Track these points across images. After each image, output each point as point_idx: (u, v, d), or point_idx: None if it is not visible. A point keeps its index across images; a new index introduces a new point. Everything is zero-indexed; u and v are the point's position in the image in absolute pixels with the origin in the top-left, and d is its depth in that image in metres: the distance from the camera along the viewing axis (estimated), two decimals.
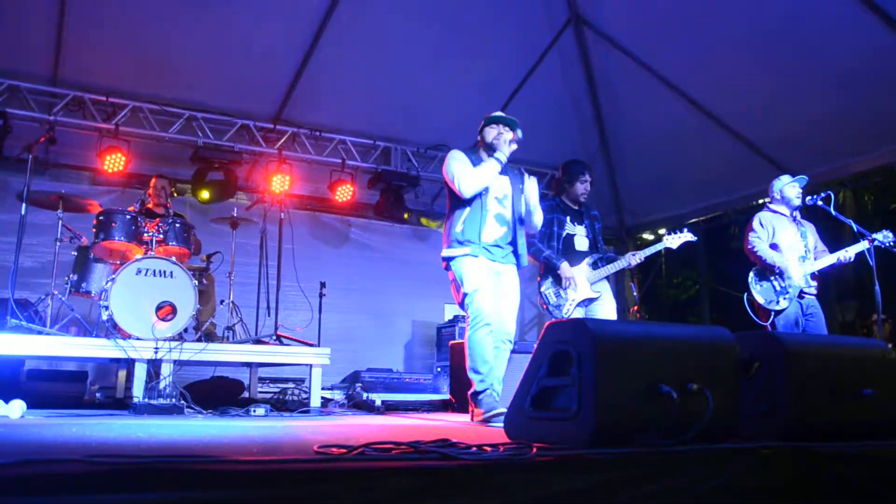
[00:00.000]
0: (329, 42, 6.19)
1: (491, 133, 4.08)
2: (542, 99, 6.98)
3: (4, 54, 5.74)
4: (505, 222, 4.06)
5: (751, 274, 4.99)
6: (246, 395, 5.70)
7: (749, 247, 5.00)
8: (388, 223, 7.79)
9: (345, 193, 7.06)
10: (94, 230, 4.88)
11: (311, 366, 5.00)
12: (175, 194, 6.04)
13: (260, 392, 5.95)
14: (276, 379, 6.30)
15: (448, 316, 7.48)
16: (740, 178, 7.06)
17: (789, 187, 5.08)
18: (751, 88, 6.15)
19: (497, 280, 3.99)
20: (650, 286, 10.47)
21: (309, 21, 6.06)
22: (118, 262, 4.83)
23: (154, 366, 4.24)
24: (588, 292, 4.58)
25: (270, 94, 6.69)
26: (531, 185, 4.11)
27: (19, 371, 5.21)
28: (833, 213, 4.86)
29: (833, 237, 5.56)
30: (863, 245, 4.80)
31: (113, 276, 4.56)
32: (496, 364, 3.84)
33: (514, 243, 4.09)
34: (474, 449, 1.73)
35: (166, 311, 4.50)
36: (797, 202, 5.06)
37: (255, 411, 4.17)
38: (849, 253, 4.85)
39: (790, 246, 4.96)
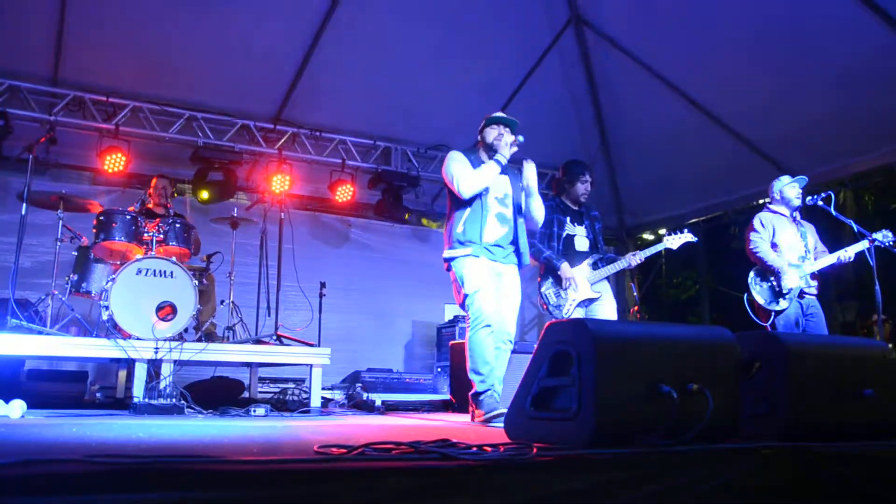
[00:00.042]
0: (329, 42, 6.19)
1: (491, 134, 4.07)
2: (542, 99, 6.98)
3: (5, 54, 5.74)
4: (506, 221, 4.06)
5: (751, 274, 4.99)
6: (246, 395, 5.70)
7: (750, 247, 5.00)
8: (389, 223, 7.79)
9: (345, 193, 7.06)
10: (94, 230, 4.88)
11: (311, 366, 5.00)
12: (175, 194, 6.05)
13: (260, 392, 5.95)
14: (276, 379, 6.30)
15: (448, 316, 7.48)
16: (740, 178, 7.06)
17: (789, 188, 5.08)
18: (751, 88, 6.15)
19: (498, 281, 3.99)
20: (650, 286, 10.47)
21: (309, 21, 6.06)
22: (118, 262, 4.83)
23: (154, 366, 4.25)
24: (588, 292, 4.58)
25: (270, 94, 6.69)
26: (530, 169, 4.06)
27: (19, 371, 5.21)
28: (833, 213, 4.86)
29: (833, 237, 5.56)
30: (863, 244, 4.80)
31: (113, 276, 4.56)
32: (496, 365, 3.84)
33: (515, 242, 4.09)
34: (474, 449, 1.73)
35: (166, 311, 4.50)
36: (797, 202, 5.06)
37: (255, 411, 4.17)
38: (849, 252, 4.85)
39: (790, 246, 4.96)
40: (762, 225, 5.02)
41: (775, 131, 6.40)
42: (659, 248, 4.84)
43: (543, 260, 4.62)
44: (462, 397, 4.46)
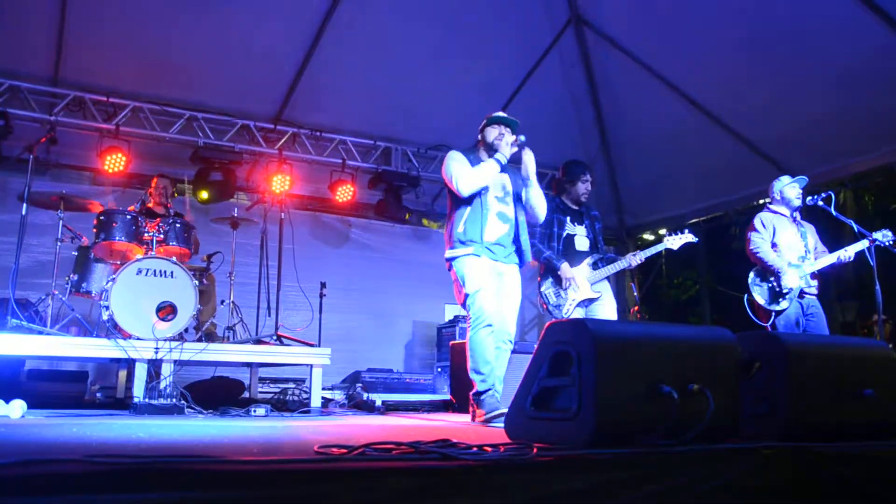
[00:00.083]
0: (329, 42, 6.19)
1: (492, 133, 4.08)
2: (542, 99, 6.98)
3: (5, 54, 5.75)
4: (507, 220, 4.06)
5: (751, 274, 4.99)
6: (246, 395, 5.70)
7: (750, 247, 5.00)
8: (389, 223, 7.80)
9: (345, 194, 7.06)
10: (94, 230, 4.88)
11: (311, 366, 5.00)
12: (175, 194, 6.05)
13: (260, 392, 5.95)
14: (276, 379, 6.30)
15: (448, 316, 7.48)
16: (740, 178, 7.06)
17: (789, 188, 5.08)
18: (751, 88, 6.15)
19: (499, 281, 3.99)
20: (651, 286, 10.46)
21: (309, 21, 6.06)
22: (119, 262, 4.83)
23: (154, 366, 4.25)
24: (588, 292, 4.58)
25: (271, 94, 6.69)
26: (528, 157, 4.03)
27: (20, 371, 5.21)
28: (833, 213, 4.86)
29: (833, 237, 5.56)
30: (863, 244, 4.80)
31: (113, 276, 4.56)
32: (497, 364, 3.84)
33: (517, 241, 4.09)
34: (475, 449, 1.73)
35: (167, 311, 4.50)
36: (797, 203, 5.06)
37: (255, 411, 4.16)
38: (848, 252, 4.85)
39: (790, 246, 4.96)
40: (762, 225, 5.02)
41: (775, 131, 6.40)
42: (659, 248, 4.84)
43: (543, 260, 4.62)
44: (462, 397, 4.46)
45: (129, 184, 6.60)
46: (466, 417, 4.07)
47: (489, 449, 1.73)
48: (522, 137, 3.98)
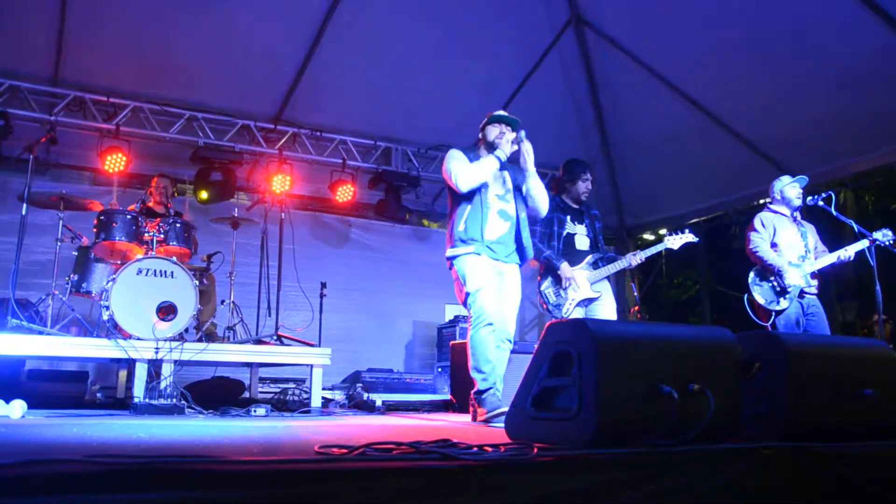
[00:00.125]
0: (330, 42, 6.19)
1: (493, 132, 4.08)
2: (542, 99, 6.98)
3: (5, 54, 5.75)
4: (508, 218, 4.06)
5: (751, 274, 4.99)
6: (247, 395, 5.70)
7: (750, 247, 5.00)
8: (389, 223, 7.80)
9: (345, 194, 7.06)
10: (94, 230, 4.88)
11: (311, 366, 5.00)
12: (175, 194, 6.05)
13: (261, 392, 5.96)
14: (276, 379, 6.30)
15: (449, 316, 7.48)
16: (740, 178, 7.06)
17: (789, 188, 5.08)
18: (751, 88, 6.15)
19: (500, 280, 3.99)
20: (651, 286, 10.46)
21: (309, 21, 6.06)
22: (119, 262, 4.83)
23: (155, 366, 4.25)
24: (588, 292, 4.58)
25: (271, 94, 6.69)
26: (527, 148, 4.01)
27: (20, 371, 5.21)
28: (834, 213, 4.86)
29: (834, 237, 5.56)
30: (863, 243, 4.80)
31: (114, 276, 4.56)
32: (497, 364, 3.84)
33: (518, 239, 4.08)
34: (475, 449, 1.73)
35: (167, 311, 4.50)
36: (797, 203, 5.06)
37: (255, 411, 4.17)
38: (848, 251, 4.85)
39: (790, 246, 4.96)
40: (763, 225, 5.02)
41: (775, 131, 6.40)
42: (660, 248, 4.84)
43: (543, 259, 4.62)
44: (462, 397, 4.46)
45: (129, 184, 6.59)
46: (467, 417, 4.08)
47: (489, 449, 1.73)
48: (523, 134, 3.98)
